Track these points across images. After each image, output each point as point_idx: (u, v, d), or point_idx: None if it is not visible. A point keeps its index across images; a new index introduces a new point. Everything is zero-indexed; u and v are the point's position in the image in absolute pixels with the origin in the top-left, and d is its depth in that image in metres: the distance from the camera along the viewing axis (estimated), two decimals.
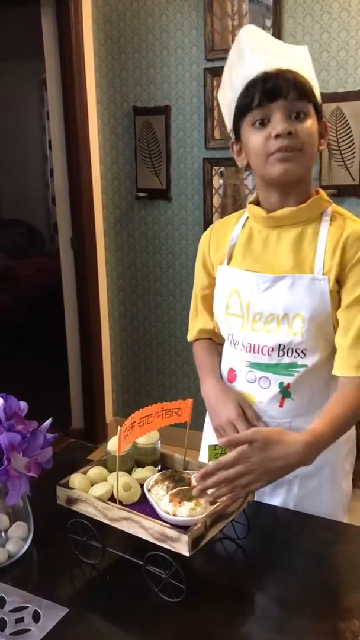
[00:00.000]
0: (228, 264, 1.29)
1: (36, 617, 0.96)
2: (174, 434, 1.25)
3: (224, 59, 2.81)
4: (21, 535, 1.12)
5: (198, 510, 0.99)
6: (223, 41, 2.75)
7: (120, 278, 3.26)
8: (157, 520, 0.97)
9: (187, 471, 1.11)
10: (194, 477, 1.08)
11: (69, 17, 2.88)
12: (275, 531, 1.17)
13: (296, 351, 1.20)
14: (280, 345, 1.20)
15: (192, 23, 2.79)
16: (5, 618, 0.96)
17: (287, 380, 1.21)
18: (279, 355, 1.21)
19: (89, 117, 3.03)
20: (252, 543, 1.13)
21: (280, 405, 1.23)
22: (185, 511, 0.98)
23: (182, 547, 0.94)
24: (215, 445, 1.07)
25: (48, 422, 1.14)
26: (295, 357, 1.20)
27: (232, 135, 1.25)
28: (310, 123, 1.15)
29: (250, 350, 1.23)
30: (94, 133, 3.09)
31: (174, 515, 0.99)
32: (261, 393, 1.24)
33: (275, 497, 1.28)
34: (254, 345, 1.23)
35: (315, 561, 1.09)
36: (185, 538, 0.93)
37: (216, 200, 2.92)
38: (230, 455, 1.00)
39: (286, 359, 1.20)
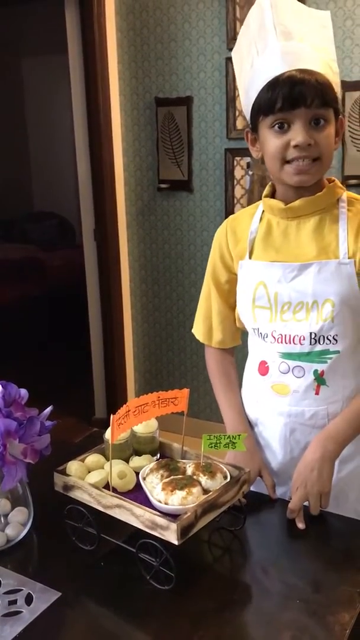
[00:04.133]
0: (250, 257, 1.29)
1: (29, 600, 0.98)
2: (173, 421, 1.26)
3: None
4: (21, 520, 1.14)
5: (189, 500, 0.99)
6: None
7: (142, 269, 3.28)
8: (147, 508, 0.98)
9: (182, 460, 1.12)
10: (188, 466, 1.09)
11: (91, 8, 2.89)
12: (272, 523, 1.17)
13: (327, 338, 1.21)
14: (311, 333, 1.21)
15: (214, 12, 2.77)
16: None
17: (320, 367, 1.22)
18: (311, 344, 1.21)
19: (112, 108, 3.04)
20: (248, 533, 1.13)
21: (316, 393, 1.23)
22: (176, 500, 0.99)
23: (171, 536, 0.94)
24: (209, 435, 1.07)
25: (48, 409, 1.16)
26: (327, 344, 1.21)
27: (248, 124, 1.24)
28: (330, 130, 1.15)
29: (281, 341, 1.24)
30: (117, 125, 3.10)
31: (166, 503, 0.99)
32: (296, 382, 1.24)
33: None
34: (285, 335, 1.23)
35: (311, 553, 1.09)
36: (174, 526, 0.93)
37: (238, 191, 2.90)
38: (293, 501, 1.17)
39: (318, 347, 1.21)
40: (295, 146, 1.13)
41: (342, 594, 0.97)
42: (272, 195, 1.28)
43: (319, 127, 1.13)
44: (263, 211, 1.30)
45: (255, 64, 1.17)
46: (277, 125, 1.14)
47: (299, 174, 1.16)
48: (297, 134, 1.12)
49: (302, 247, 1.22)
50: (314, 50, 1.15)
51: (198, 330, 1.45)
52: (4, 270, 4.77)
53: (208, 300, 1.41)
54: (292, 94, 1.11)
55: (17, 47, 5.66)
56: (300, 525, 1.13)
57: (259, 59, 1.16)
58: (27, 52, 5.67)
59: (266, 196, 1.28)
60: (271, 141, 1.16)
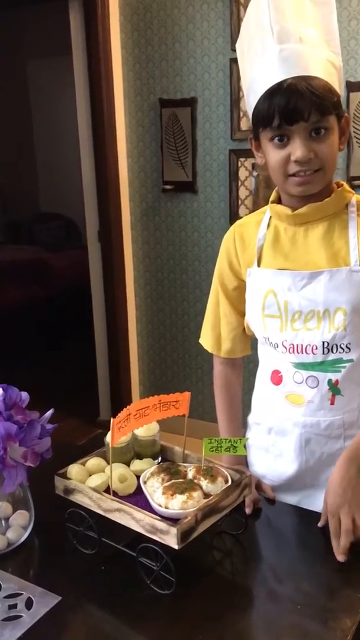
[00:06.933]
0: (258, 265, 1.26)
1: (29, 604, 0.98)
2: (177, 423, 1.25)
3: None
4: (22, 523, 1.14)
5: (190, 504, 0.98)
6: None
7: (147, 271, 3.27)
8: (147, 512, 0.97)
9: (183, 464, 1.11)
10: (189, 469, 1.08)
11: (96, 10, 2.89)
12: (274, 527, 1.16)
13: (340, 347, 1.18)
14: (324, 342, 1.18)
15: (218, 13, 2.76)
16: None
17: (334, 377, 1.19)
18: (324, 353, 1.19)
19: (116, 110, 3.04)
20: (250, 538, 1.12)
21: (332, 403, 1.21)
22: (177, 504, 0.98)
23: (171, 540, 0.94)
24: (210, 439, 1.06)
25: (49, 413, 1.16)
26: (340, 352, 1.18)
27: (251, 130, 1.22)
28: (332, 137, 1.12)
29: (293, 351, 1.21)
30: (121, 126, 3.10)
31: (166, 507, 0.99)
32: (310, 393, 1.21)
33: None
34: (297, 345, 1.20)
35: (312, 558, 1.08)
36: (174, 531, 0.93)
37: (242, 192, 2.89)
38: (332, 524, 1.10)
39: (331, 356, 1.19)
40: (296, 161, 1.11)
41: (344, 599, 0.96)
42: (279, 200, 1.25)
43: (319, 137, 1.10)
44: (270, 217, 1.27)
45: (255, 66, 1.14)
46: (277, 139, 1.12)
47: (301, 185, 1.13)
48: (296, 149, 1.10)
49: (311, 253, 1.19)
50: (315, 48, 1.11)
51: (206, 341, 1.41)
52: (11, 271, 4.78)
53: (216, 309, 1.37)
54: (289, 109, 1.08)
55: (22, 49, 5.68)
56: (342, 558, 1.06)
57: (257, 61, 1.13)
58: (31, 54, 5.69)
59: (273, 202, 1.25)
60: (272, 154, 1.14)
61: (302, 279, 1.18)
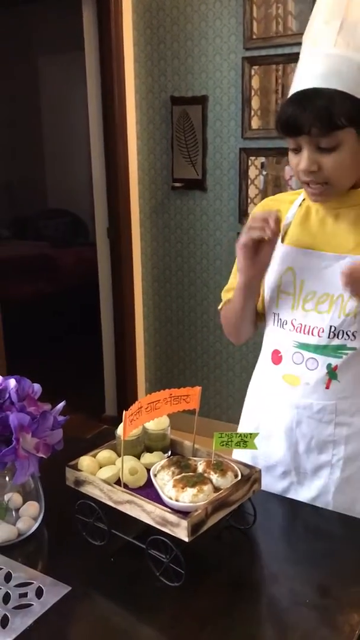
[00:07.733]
0: (282, 241, 1.28)
1: (39, 593, 0.99)
2: (183, 420, 1.26)
3: (263, 47, 2.79)
4: (32, 514, 1.14)
5: (200, 497, 0.99)
6: (262, 29, 2.72)
7: (154, 268, 3.28)
8: (158, 505, 0.98)
9: (193, 458, 1.12)
10: (199, 463, 1.09)
11: (108, 6, 2.90)
12: (282, 522, 1.17)
13: (347, 333, 1.20)
14: (331, 326, 1.20)
15: (231, 11, 2.76)
16: (10, 592, 0.99)
17: (335, 362, 1.21)
18: (329, 337, 1.20)
19: (127, 107, 3.05)
20: (258, 533, 1.13)
21: (327, 387, 1.22)
22: (187, 497, 0.99)
23: (182, 532, 0.94)
24: (221, 433, 1.07)
25: (61, 404, 1.16)
26: (345, 339, 1.20)
27: None
28: (342, 153, 1.11)
29: (300, 331, 1.23)
30: (132, 123, 3.11)
31: (177, 500, 1.00)
32: (308, 375, 1.23)
33: (317, 478, 1.27)
34: (305, 325, 1.23)
35: (320, 553, 1.08)
36: (184, 523, 0.94)
37: (252, 191, 2.90)
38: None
39: (336, 341, 1.20)
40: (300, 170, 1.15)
41: (352, 594, 0.97)
42: None
43: (328, 151, 1.11)
44: (304, 199, 1.29)
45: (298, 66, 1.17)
46: (292, 147, 1.16)
47: (312, 195, 1.19)
48: (301, 160, 1.14)
49: (338, 237, 1.22)
50: (348, 50, 1.08)
51: (222, 300, 1.43)
52: (17, 267, 4.80)
53: (235, 278, 1.38)
54: (290, 123, 1.11)
55: (34, 44, 5.68)
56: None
57: (299, 63, 1.16)
58: (43, 50, 5.70)
59: None
60: (290, 160, 1.19)
61: (325, 260, 1.21)
